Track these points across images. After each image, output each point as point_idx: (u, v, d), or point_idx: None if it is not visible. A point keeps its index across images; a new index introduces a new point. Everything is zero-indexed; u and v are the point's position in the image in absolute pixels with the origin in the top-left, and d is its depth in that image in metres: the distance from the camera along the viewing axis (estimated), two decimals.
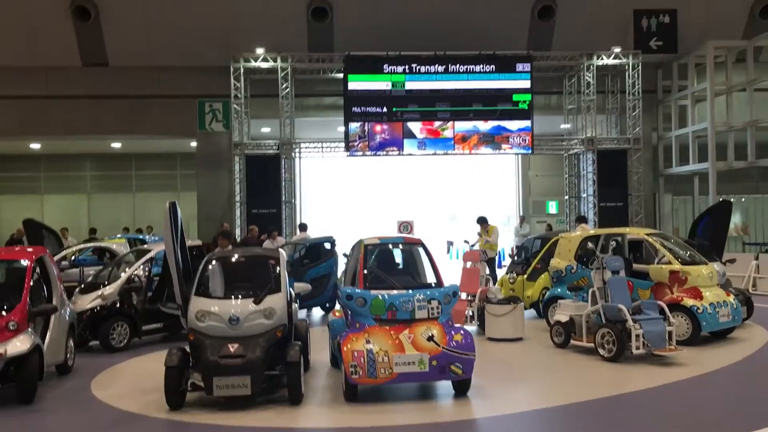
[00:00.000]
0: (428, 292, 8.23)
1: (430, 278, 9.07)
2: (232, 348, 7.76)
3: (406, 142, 21.11)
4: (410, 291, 8.26)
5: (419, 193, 29.39)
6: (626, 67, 22.01)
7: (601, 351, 9.98)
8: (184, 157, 29.14)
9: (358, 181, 27.86)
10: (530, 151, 21.58)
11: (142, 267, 12.24)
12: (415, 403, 8.05)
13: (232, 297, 8.26)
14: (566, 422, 7.38)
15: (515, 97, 21.25)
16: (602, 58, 21.78)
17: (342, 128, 24.99)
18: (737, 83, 21.48)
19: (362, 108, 21.11)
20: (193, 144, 26.18)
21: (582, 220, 16.05)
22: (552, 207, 28.05)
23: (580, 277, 12.26)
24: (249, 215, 21.45)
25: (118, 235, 22.77)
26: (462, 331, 8.16)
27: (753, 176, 26.17)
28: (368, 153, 21.18)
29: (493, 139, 21.24)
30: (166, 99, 23.00)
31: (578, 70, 22.29)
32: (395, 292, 8.24)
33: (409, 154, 21.28)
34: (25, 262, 9.07)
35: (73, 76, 22.69)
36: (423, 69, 21.13)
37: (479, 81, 21.18)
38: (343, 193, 28.85)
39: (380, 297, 8.12)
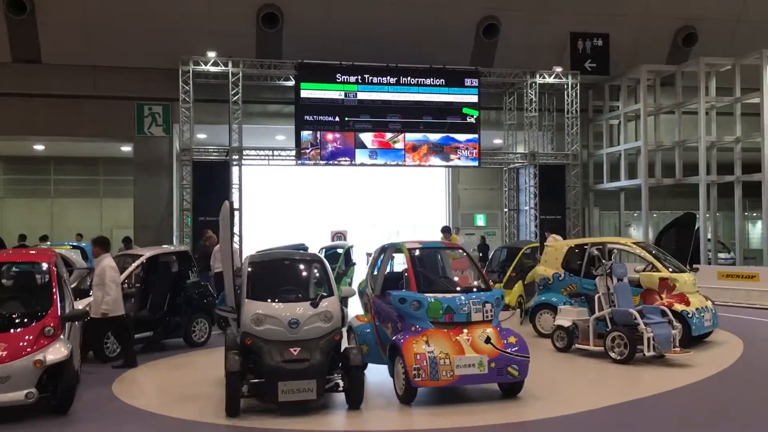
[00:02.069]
0: (482, 295, 8.37)
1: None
2: (295, 352, 7.59)
3: (357, 152, 21.18)
4: (465, 294, 8.37)
5: (351, 203, 29.37)
6: (565, 86, 23.03)
7: (612, 354, 10.40)
8: (108, 162, 27.97)
9: (291, 190, 27.50)
10: (477, 163, 22.14)
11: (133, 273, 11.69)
12: (469, 405, 8.12)
13: (288, 300, 8.08)
14: (636, 417, 7.68)
15: (464, 111, 21.79)
16: (544, 77, 22.71)
17: (280, 137, 24.82)
18: (666, 105, 22.91)
19: (314, 116, 21.01)
20: (124, 149, 25.22)
21: (552, 230, 16.62)
22: (480, 220, 28.82)
23: (568, 284, 12.74)
24: (196, 223, 20.81)
25: (66, 243, 21.48)
26: (514, 334, 8.35)
27: (662, 194, 27.83)
28: (320, 162, 21.08)
29: (443, 149, 21.66)
30: (101, 100, 21.99)
31: (519, 87, 23.12)
32: (449, 295, 8.33)
33: (361, 164, 21.36)
34: (45, 265, 8.52)
35: (1, 72, 21.29)
36: (375, 80, 21.31)
37: (429, 94, 21.58)
38: (275, 201, 28.37)
39: (437, 300, 8.18)
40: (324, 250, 18.71)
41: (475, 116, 21.88)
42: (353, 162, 21.20)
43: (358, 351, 7.95)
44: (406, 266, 8.79)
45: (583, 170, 24.99)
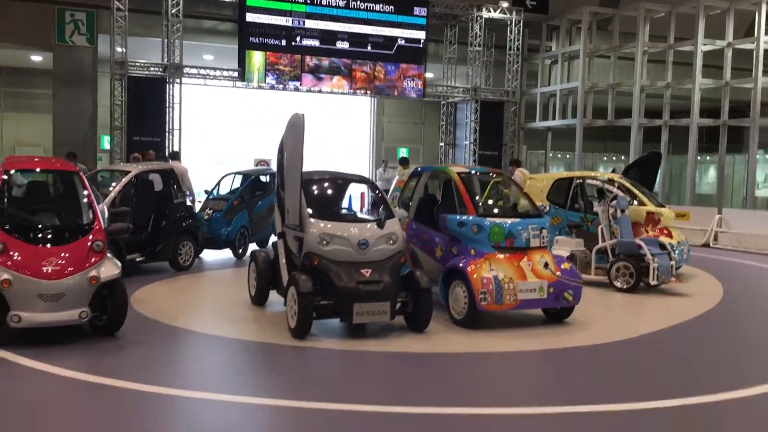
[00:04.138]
0: (538, 221, 8.37)
1: None
2: (367, 273, 7.32)
3: (304, 76, 20.42)
4: (523, 219, 8.33)
5: (273, 131, 28.41)
6: (508, 22, 23.10)
7: (616, 283, 10.78)
8: (12, 73, 25.50)
9: (218, 113, 26.17)
10: (422, 95, 21.96)
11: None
12: (522, 329, 8.17)
13: (349, 220, 7.75)
14: (692, 339, 8.02)
15: (411, 40, 21.45)
16: (490, 11, 22.64)
17: (208, 56, 23.53)
18: (603, 48, 23.49)
19: (260, 39, 19.97)
20: (34, 58, 23.16)
21: (517, 164, 16.85)
22: (403, 153, 28.82)
23: (553, 216, 12.99)
24: (130, 142, 19.49)
25: None
26: (566, 261, 8.45)
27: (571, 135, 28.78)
28: (265, 86, 20.18)
29: (389, 78, 21.29)
30: (16, 2, 19.88)
31: (462, 20, 22.96)
32: (508, 220, 8.26)
33: (308, 90, 20.63)
34: (75, 175, 7.68)
35: None
36: (324, 1, 20.46)
37: (378, 20, 21.04)
38: (204, 123, 26.93)
39: (498, 225, 8.10)
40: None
41: (422, 45, 21.59)
42: (300, 87, 20.44)
43: (423, 273, 7.78)
44: (454, 190, 8.61)
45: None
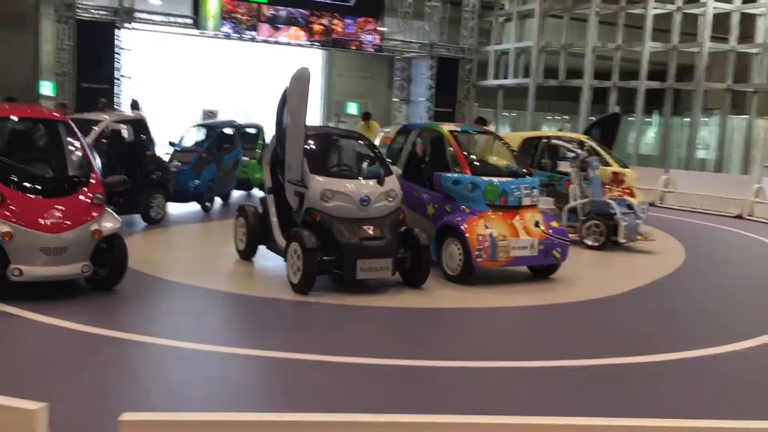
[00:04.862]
0: (529, 181, 8.54)
1: None
2: (369, 230, 7.37)
3: (261, 26, 19.99)
4: (515, 178, 8.49)
5: (223, 81, 27.82)
6: None
7: (587, 241, 11.13)
8: None
9: (164, 62, 25.41)
10: (380, 50, 21.84)
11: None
12: (512, 285, 8.40)
13: (348, 177, 7.74)
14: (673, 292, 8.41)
15: None
16: None
17: (155, 1, 22.74)
18: (558, 8, 23.73)
19: None
20: None
21: (482, 122, 16.93)
22: (352, 108, 28.67)
23: None
24: (79, 89, 18.77)
25: None
26: (555, 219, 8.69)
27: (519, 93, 29.23)
28: (220, 35, 19.67)
29: (347, 32, 21.07)
30: None
31: None
32: (502, 179, 8.41)
33: (264, 41, 20.22)
34: (64, 124, 7.40)
35: None
36: None
37: None
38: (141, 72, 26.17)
39: (494, 183, 8.24)
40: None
41: None
42: (256, 38, 20.02)
43: (421, 230, 7.86)
44: (446, 148, 8.69)
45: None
